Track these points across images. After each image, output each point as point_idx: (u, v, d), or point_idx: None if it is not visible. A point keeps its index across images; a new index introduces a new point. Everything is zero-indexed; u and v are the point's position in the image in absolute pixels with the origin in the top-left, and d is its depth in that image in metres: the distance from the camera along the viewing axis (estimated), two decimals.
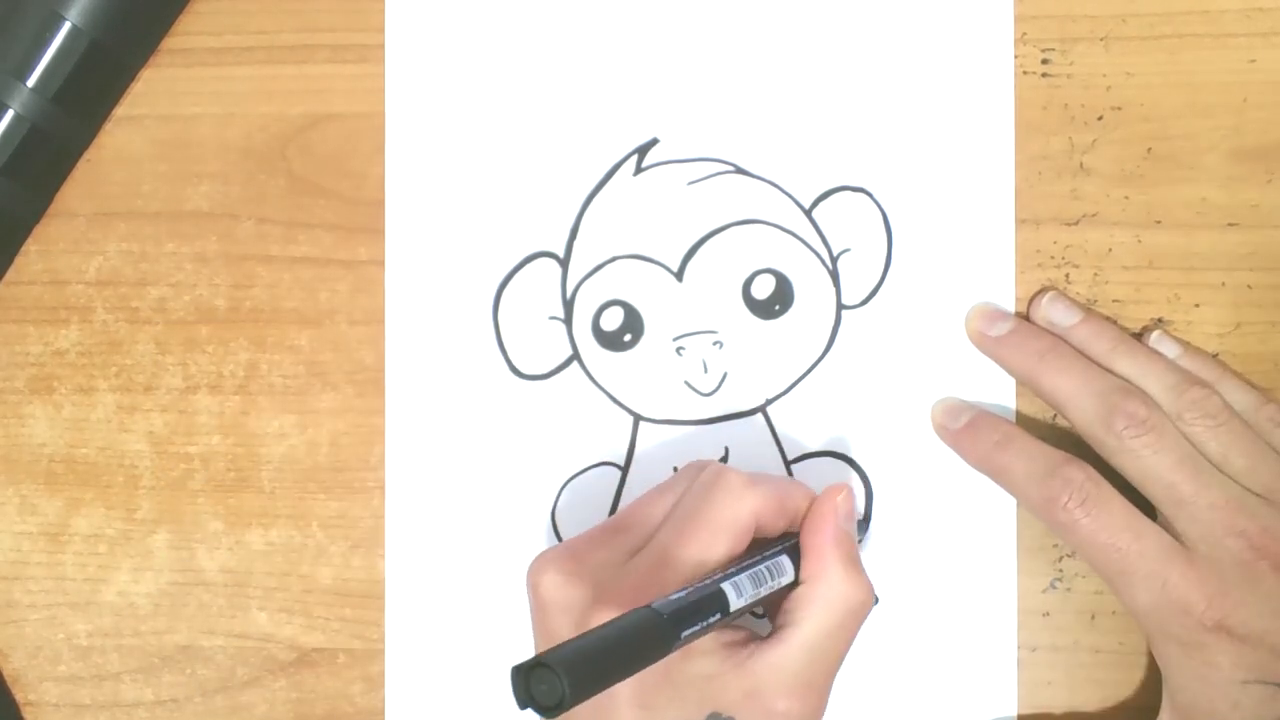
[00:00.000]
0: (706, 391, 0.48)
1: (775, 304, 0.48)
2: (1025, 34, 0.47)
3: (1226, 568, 0.41)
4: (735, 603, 0.39)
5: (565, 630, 0.41)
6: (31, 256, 0.51)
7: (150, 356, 0.50)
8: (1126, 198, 0.47)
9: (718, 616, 0.38)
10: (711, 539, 0.40)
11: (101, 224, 0.50)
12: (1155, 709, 0.44)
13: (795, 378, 0.48)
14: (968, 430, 0.46)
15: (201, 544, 0.50)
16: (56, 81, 0.48)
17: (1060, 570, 0.48)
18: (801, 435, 0.48)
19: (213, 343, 0.50)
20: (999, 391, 0.47)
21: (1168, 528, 0.43)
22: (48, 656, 0.51)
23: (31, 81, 0.48)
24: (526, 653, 0.48)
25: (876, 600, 0.43)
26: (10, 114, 0.48)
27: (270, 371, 0.50)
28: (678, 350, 0.48)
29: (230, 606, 0.50)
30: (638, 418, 0.48)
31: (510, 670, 0.33)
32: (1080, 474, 0.43)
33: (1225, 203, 0.47)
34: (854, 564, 0.42)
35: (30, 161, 0.49)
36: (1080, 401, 0.44)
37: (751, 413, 0.48)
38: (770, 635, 0.41)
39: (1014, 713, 0.47)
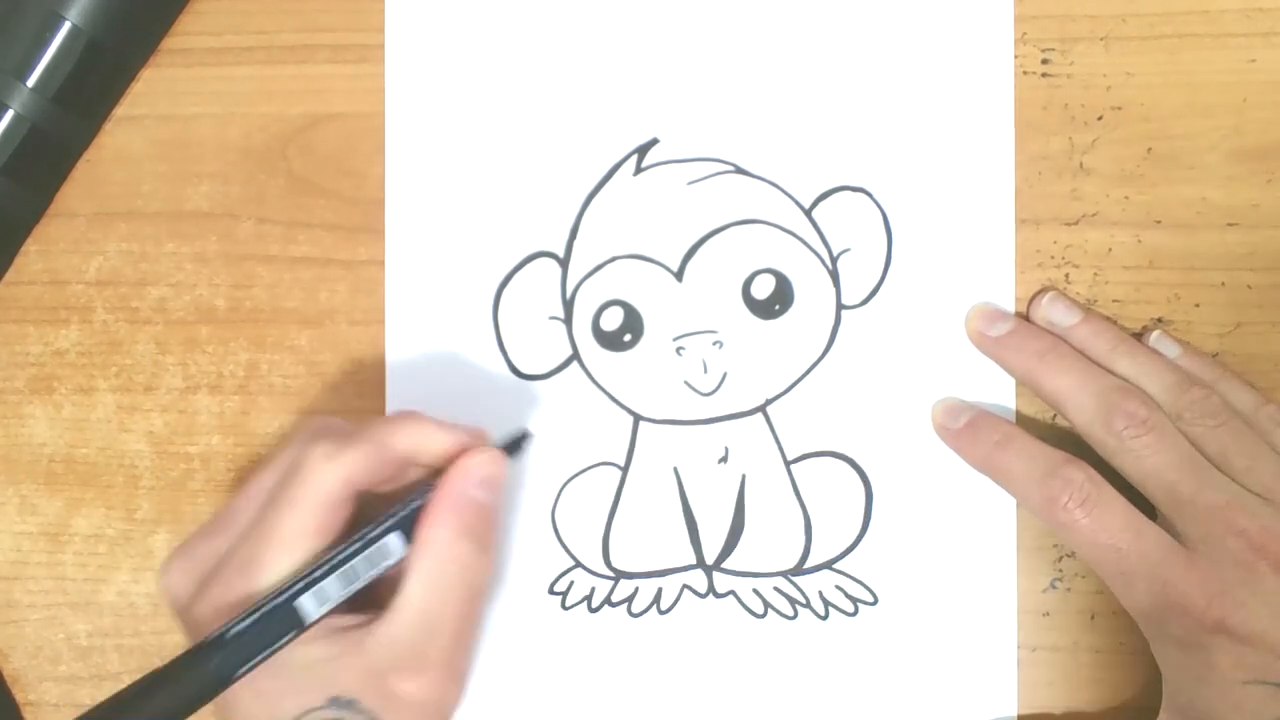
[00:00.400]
0: (706, 391, 0.48)
1: (775, 304, 0.48)
2: (1025, 34, 0.47)
3: (1227, 568, 0.41)
4: (316, 612, 0.38)
5: (183, 629, 0.41)
6: (31, 256, 0.51)
7: (150, 356, 0.50)
8: (1126, 198, 0.47)
9: (292, 635, 0.37)
10: (298, 521, 0.39)
11: (101, 224, 0.50)
12: (1155, 709, 0.44)
13: (795, 378, 0.48)
14: (967, 430, 0.46)
15: None
16: (56, 81, 0.48)
17: (1060, 570, 0.48)
18: (801, 435, 0.48)
19: (213, 343, 0.50)
20: (999, 391, 0.47)
21: (1168, 528, 0.43)
22: (48, 656, 0.51)
23: (31, 81, 0.48)
24: (526, 650, 0.48)
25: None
26: (10, 114, 0.48)
27: (270, 371, 0.50)
28: (678, 350, 0.48)
29: None
30: (638, 418, 0.48)
31: None
32: (1080, 474, 0.43)
33: (1225, 203, 0.47)
34: (468, 532, 0.40)
35: (30, 161, 0.49)
36: (1080, 401, 0.44)
37: (751, 413, 0.48)
38: (385, 610, 0.40)
39: (1014, 713, 0.47)
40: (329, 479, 0.40)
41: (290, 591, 0.38)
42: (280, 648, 0.37)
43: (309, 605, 0.38)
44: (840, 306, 0.48)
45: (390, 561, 0.40)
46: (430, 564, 0.40)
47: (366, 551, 0.40)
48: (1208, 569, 0.41)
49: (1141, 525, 0.42)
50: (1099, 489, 0.43)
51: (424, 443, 0.42)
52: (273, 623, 0.38)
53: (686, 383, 0.48)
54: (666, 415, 0.48)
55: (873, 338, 0.48)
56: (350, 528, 0.41)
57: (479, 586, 0.41)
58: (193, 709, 0.36)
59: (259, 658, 0.37)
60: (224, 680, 0.36)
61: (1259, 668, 0.41)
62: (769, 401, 0.48)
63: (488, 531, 0.41)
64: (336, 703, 0.39)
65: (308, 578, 0.39)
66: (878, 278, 0.48)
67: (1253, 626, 0.41)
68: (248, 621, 0.37)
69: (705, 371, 0.48)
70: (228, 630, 0.36)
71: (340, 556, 0.39)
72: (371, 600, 0.41)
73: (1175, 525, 0.42)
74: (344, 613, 0.40)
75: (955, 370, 0.47)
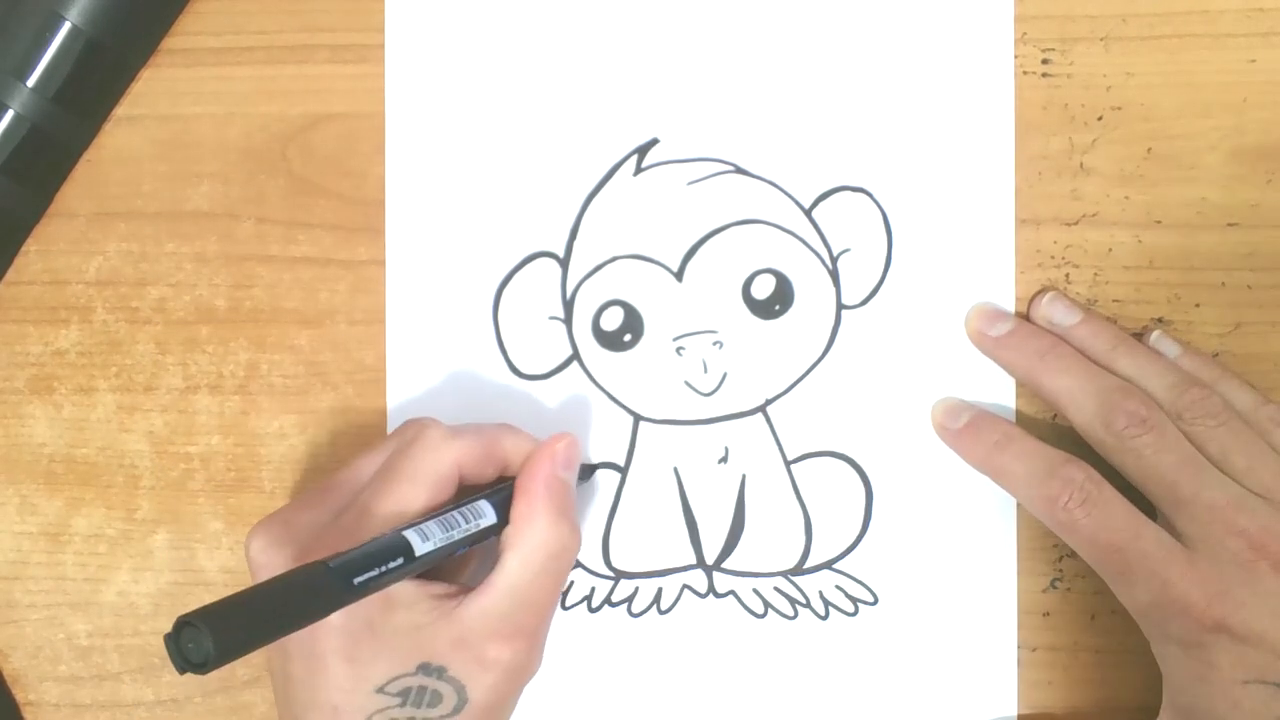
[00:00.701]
0: (706, 391, 0.48)
1: (775, 304, 0.48)
2: (1025, 34, 0.47)
3: (1227, 567, 0.41)
4: (422, 548, 0.39)
5: None
6: (31, 256, 0.51)
7: (150, 356, 0.50)
8: (1126, 198, 0.47)
9: (400, 562, 0.39)
10: (410, 492, 0.41)
11: (101, 224, 0.50)
12: (1155, 709, 0.44)
13: (795, 378, 0.48)
14: (968, 430, 0.46)
15: (201, 544, 0.50)
16: (56, 81, 0.48)
17: (1060, 570, 0.48)
18: (801, 435, 0.48)
19: (213, 343, 0.50)
20: (999, 391, 0.47)
21: (1168, 528, 0.43)
22: (48, 656, 0.51)
23: (31, 81, 0.48)
24: None
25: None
26: (10, 114, 0.48)
27: (270, 371, 0.50)
28: (678, 350, 0.48)
29: None
30: (638, 418, 0.48)
31: (164, 635, 0.33)
32: (1080, 474, 0.43)
33: (1225, 203, 0.47)
34: (562, 510, 0.43)
35: (30, 161, 0.49)
36: (1080, 400, 0.44)
37: (751, 413, 0.48)
38: (479, 583, 0.42)
39: (1014, 713, 0.47)
40: (444, 456, 0.42)
41: (401, 528, 0.40)
42: (395, 571, 0.38)
43: (415, 541, 0.40)
44: (840, 306, 0.48)
45: (485, 522, 0.42)
46: (530, 536, 0.42)
47: (462, 508, 0.42)
48: (1208, 569, 0.41)
49: (1141, 525, 0.42)
50: (1099, 488, 0.43)
51: (522, 448, 0.44)
52: (385, 551, 0.39)
53: (687, 383, 0.48)
54: (666, 415, 0.48)
55: (873, 338, 0.48)
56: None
57: (570, 561, 0.43)
58: (313, 617, 0.36)
59: (378, 571, 0.38)
60: (349, 588, 0.37)
61: (1259, 667, 0.41)
62: (769, 401, 0.48)
63: (573, 509, 0.44)
64: (425, 669, 0.40)
65: (413, 523, 0.41)
66: (878, 278, 0.48)
67: (1252, 626, 0.41)
68: (363, 549, 0.38)
69: (705, 371, 0.48)
70: (332, 560, 0.37)
71: (441, 511, 0.42)
72: (456, 582, 0.43)
73: (1175, 525, 0.42)
74: (435, 580, 0.42)
75: (955, 370, 0.47)
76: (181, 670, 0.33)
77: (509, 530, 0.42)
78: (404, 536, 0.39)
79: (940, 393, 0.47)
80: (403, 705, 0.40)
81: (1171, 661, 0.42)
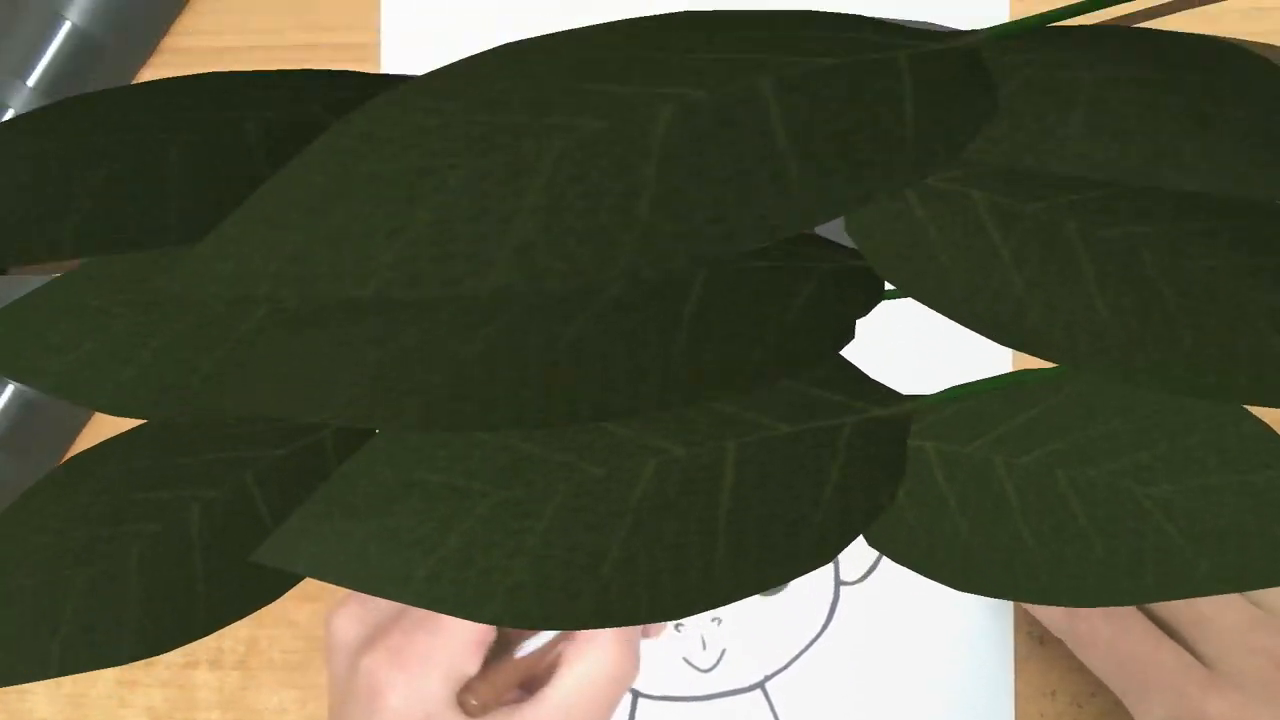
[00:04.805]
0: (705, 668, 0.47)
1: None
2: None
3: (1247, 683, 0.41)
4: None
5: (339, 668, 0.42)
6: None
7: None
8: None
9: None
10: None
11: None
12: None
13: (795, 653, 0.47)
14: None
15: None
16: (57, 82, 0.48)
17: None
18: (802, 711, 0.48)
19: None
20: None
21: (1187, 649, 0.43)
22: None
23: (31, 81, 0.48)
24: None
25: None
26: (10, 114, 0.48)
27: None
28: (675, 626, 0.47)
29: None
30: (636, 694, 0.48)
31: None
32: None
33: None
34: (628, 636, 0.42)
35: None
36: None
37: (750, 689, 0.48)
38: (532, 695, 0.41)
39: (1013, 713, 0.47)
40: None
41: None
42: None
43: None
44: (839, 583, 0.48)
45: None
46: (590, 659, 0.41)
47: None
48: (1226, 683, 0.41)
49: (1161, 639, 0.42)
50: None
51: None
52: None
53: (685, 659, 0.48)
54: (665, 691, 0.48)
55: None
56: None
57: (625, 689, 0.42)
58: None
59: None
60: None
61: None
62: (768, 678, 0.47)
63: (638, 638, 0.43)
64: None
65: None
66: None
67: None
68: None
69: (704, 648, 0.48)
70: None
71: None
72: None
73: (1195, 647, 0.42)
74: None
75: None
76: None
77: (570, 647, 0.42)
78: None
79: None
80: None
81: None
